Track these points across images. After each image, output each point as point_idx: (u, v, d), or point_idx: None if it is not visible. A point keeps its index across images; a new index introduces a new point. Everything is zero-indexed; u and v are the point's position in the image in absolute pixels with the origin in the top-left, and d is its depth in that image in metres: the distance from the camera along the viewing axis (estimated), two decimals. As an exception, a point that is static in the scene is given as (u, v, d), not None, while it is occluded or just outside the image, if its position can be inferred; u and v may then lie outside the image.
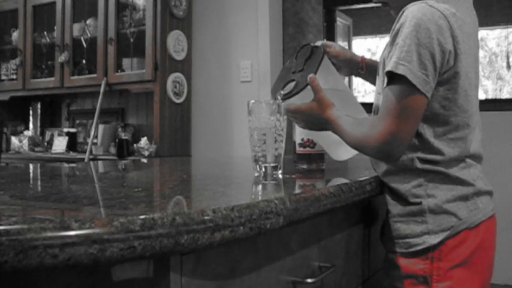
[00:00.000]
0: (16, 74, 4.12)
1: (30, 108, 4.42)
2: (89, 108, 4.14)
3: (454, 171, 1.11)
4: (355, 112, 1.26)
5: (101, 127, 3.74)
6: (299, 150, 1.37)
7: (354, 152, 1.31)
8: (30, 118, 4.44)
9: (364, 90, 7.09)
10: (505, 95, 6.48)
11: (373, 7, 4.95)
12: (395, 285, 1.15)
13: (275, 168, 1.15)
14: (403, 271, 1.13)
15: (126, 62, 3.53)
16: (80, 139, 4.12)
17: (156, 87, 3.33)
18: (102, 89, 3.50)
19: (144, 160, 2.93)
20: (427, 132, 1.10)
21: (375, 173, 1.22)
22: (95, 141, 3.67)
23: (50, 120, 4.43)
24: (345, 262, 1.17)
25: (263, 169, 1.14)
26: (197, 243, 0.65)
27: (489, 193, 1.16)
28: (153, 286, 0.68)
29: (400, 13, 1.08)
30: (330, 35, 4.09)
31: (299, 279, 0.96)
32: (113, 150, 3.63)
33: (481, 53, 6.30)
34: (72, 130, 4.12)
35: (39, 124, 4.38)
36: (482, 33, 6.18)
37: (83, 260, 0.57)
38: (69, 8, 3.78)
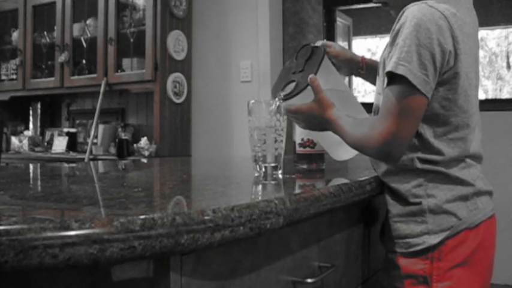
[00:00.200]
0: (16, 74, 4.12)
1: (30, 108, 4.42)
2: (89, 108, 4.14)
3: (454, 171, 1.11)
4: (355, 112, 1.26)
5: (101, 127, 3.74)
6: (299, 150, 1.37)
7: (355, 152, 1.31)
8: (30, 118, 4.44)
9: (364, 90, 7.09)
10: (505, 95, 6.48)
11: (373, 7, 4.95)
12: (395, 285, 1.15)
13: (275, 168, 1.15)
14: (403, 271, 1.13)
15: (126, 62, 3.53)
16: (80, 139, 4.12)
17: (156, 87, 3.33)
18: (102, 89, 3.50)
19: (144, 160, 2.93)
20: (427, 132, 1.10)
21: (375, 173, 1.22)
22: (95, 141, 3.67)
23: (50, 120, 4.43)
24: (345, 262, 1.17)
25: (263, 169, 1.14)
26: (197, 243, 0.65)
27: (489, 193, 1.16)
28: (153, 286, 0.68)
29: (400, 13, 1.08)
30: (330, 35, 4.09)
31: (299, 279, 0.96)
32: (113, 150, 3.63)
33: (481, 53, 6.30)
34: (72, 130, 4.12)
35: (39, 124, 4.38)
36: (482, 33, 6.17)
37: (83, 260, 0.57)
38: (69, 8, 3.78)
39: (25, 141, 4.12)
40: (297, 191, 1.04)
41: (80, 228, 0.58)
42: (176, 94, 3.42)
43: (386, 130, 1.04)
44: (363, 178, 1.15)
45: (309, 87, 1.19)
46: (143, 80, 3.37)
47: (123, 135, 3.59)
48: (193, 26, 3.58)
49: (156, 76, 3.31)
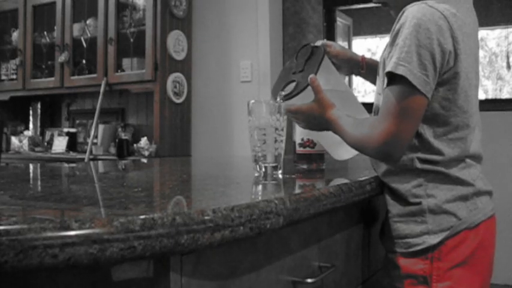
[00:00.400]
0: (16, 74, 4.12)
1: (30, 108, 4.42)
2: (89, 108, 4.14)
3: (454, 171, 1.11)
4: (356, 112, 1.26)
5: (101, 127, 3.74)
6: (299, 150, 1.37)
7: (355, 152, 1.31)
8: (30, 118, 4.44)
9: (364, 90, 7.09)
10: (505, 95, 6.48)
11: (373, 7, 4.95)
12: (395, 285, 1.15)
13: (275, 168, 1.15)
14: (403, 271, 1.13)
15: (126, 62, 3.53)
16: (80, 139, 4.12)
17: (156, 87, 3.33)
18: (102, 89, 3.50)
19: (144, 160, 2.93)
20: (427, 132, 1.10)
21: (375, 173, 1.22)
22: (95, 141, 3.67)
23: (50, 120, 4.43)
24: (345, 262, 1.17)
25: (263, 169, 1.14)
26: (197, 243, 0.65)
27: (489, 193, 1.16)
28: (153, 286, 0.68)
29: (400, 13, 1.08)
30: (330, 35, 4.09)
31: (299, 279, 0.96)
32: (113, 150, 3.63)
33: (481, 53, 6.30)
34: (72, 130, 4.12)
35: (39, 124, 4.38)
36: (482, 33, 6.17)
37: (83, 260, 0.57)
38: (69, 8, 3.78)
39: (25, 141, 4.12)
40: (297, 191, 1.04)
41: (80, 228, 0.58)
42: (176, 94, 3.42)
43: (387, 130, 1.04)
44: (363, 178, 1.15)
45: (309, 87, 1.19)
46: (143, 80, 3.37)
47: (123, 135, 3.59)
48: (193, 26, 3.58)
49: (156, 76, 3.31)
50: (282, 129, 1.15)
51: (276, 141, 1.14)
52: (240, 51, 3.40)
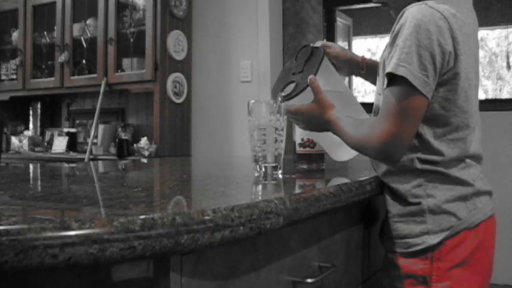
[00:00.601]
0: (16, 74, 4.12)
1: (30, 108, 4.42)
2: (89, 108, 4.14)
3: (454, 171, 1.11)
4: (355, 113, 1.26)
5: (101, 127, 3.74)
6: (299, 150, 1.37)
7: (355, 153, 1.32)
8: (30, 118, 4.44)
9: (364, 90, 7.10)
10: (505, 95, 6.48)
11: (373, 7, 4.95)
12: (395, 285, 1.15)
13: (275, 168, 1.15)
14: (403, 271, 1.13)
15: (126, 62, 3.53)
16: (80, 139, 4.12)
17: (156, 87, 3.33)
18: (102, 89, 3.50)
19: (144, 160, 2.93)
20: (427, 133, 1.10)
21: (375, 173, 1.22)
22: (95, 141, 3.67)
23: (50, 120, 4.43)
24: (345, 262, 1.17)
25: (263, 169, 1.14)
26: (197, 243, 0.65)
27: (488, 193, 1.16)
28: (153, 286, 0.68)
29: (400, 14, 1.08)
30: (330, 35, 4.09)
31: (299, 279, 0.96)
32: (113, 150, 3.63)
33: (481, 53, 6.30)
34: (72, 130, 4.12)
35: (39, 124, 4.38)
36: (482, 33, 6.18)
37: (83, 260, 0.57)
38: (69, 8, 3.78)
39: (25, 141, 4.12)
40: (297, 191, 1.04)
41: (80, 228, 0.58)
42: (176, 94, 3.42)
43: (387, 131, 1.04)
44: (363, 178, 1.15)
45: (309, 88, 1.19)
46: (143, 80, 3.37)
47: (123, 135, 3.59)
48: (193, 26, 3.58)
49: (156, 76, 3.31)
50: (282, 129, 1.15)
51: (276, 141, 1.14)
52: (240, 51, 3.40)
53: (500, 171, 3.20)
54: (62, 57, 3.76)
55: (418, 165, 1.11)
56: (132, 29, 3.46)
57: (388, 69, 1.04)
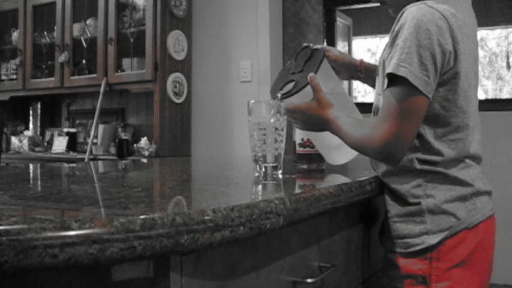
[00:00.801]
0: (16, 74, 4.12)
1: (30, 108, 4.42)
2: (89, 108, 4.14)
3: (453, 171, 1.11)
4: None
5: (101, 127, 3.74)
6: (299, 150, 1.37)
7: (350, 157, 1.32)
8: (30, 118, 4.44)
9: (364, 90, 7.10)
10: (505, 95, 6.48)
11: (372, 7, 4.95)
12: (395, 285, 1.15)
13: (275, 168, 1.15)
14: (402, 271, 1.13)
15: (126, 62, 3.53)
16: (80, 139, 4.12)
17: (156, 87, 3.33)
18: (102, 89, 3.50)
19: (144, 160, 2.93)
20: (428, 133, 1.10)
21: (375, 173, 1.22)
22: (95, 141, 3.67)
23: (50, 120, 4.43)
24: (345, 262, 1.17)
25: (263, 169, 1.14)
26: (197, 243, 0.65)
27: (488, 193, 1.16)
28: (153, 286, 0.68)
29: (400, 14, 1.08)
30: (330, 35, 4.10)
31: (299, 279, 0.96)
32: (113, 150, 3.63)
33: (481, 53, 6.30)
34: (72, 130, 4.12)
35: (39, 124, 4.38)
36: (482, 33, 6.18)
37: (83, 260, 0.57)
38: (69, 8, 3.78)
39: (25, 141, 4.12)
40: (297, 191, 1.04)
41: (80, 228, 0.58)
42: (176, 94, 3.42)
43: (388, 131, 1.04)
44: (363, 178, 1.15)
45: (308, 87, 1.19)
46: (143, 80, 3.37)
47: (123, 135, 3.59)
48: (193, 26, 3.58)
49: (156, 76, 3.31)
50: (282, 129, 1.15)
51: (276, 141, 1.14)
52: (240, 51, 3.40)
53: (500, 171, 3.20)
54: (62, 57, 3.76)
55: (418, 166, 1.11)
56: (132, 29, 3.46)
57: (389, 70, 1.04)
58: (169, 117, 3.40)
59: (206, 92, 3.54)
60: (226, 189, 1.03)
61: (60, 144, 3.98)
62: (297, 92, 1.20)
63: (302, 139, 1.36)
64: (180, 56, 3.44)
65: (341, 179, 1.17)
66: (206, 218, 0.67)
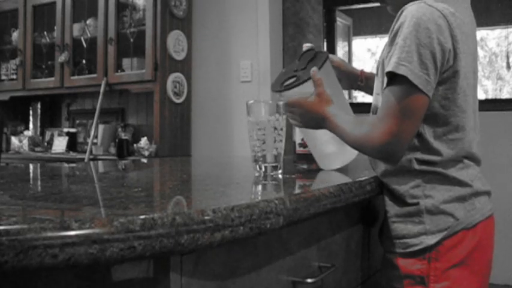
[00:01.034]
0: (16, 74, 4.12)
1: (30, 108, 4.42)
2: (89, 108, 4.14)
3: (452, 171, 1.11)
4: None
5: (101, 127, 3.74)
6: (299, 150, 1.37)
7: (342, 164, 1.32)
8: (30, 118, 4.44)
9: (364, 90, 7.08)
10: (505, 95, 6.48)
11: (372, 7, 4.96)
12: (394, 285, 1.15)
13: (275, 168, 1.15)
14: (401, 271, 1.13)
15: (126, 62, 3.53)
16: (80, 139, 4.12)
17: (156, 87, 3.33)
18: (102, 89, 3.50)
19: (144, 160, 2.93)
20: (427, 132, 1.10)
21: (375, 173, 1.22)
22: (95, 141, 3.67)
23: (50, 120, 4.43)
24: (345, 262, 1.17)
25: (263, 169, 1.14)
26: (197, 243, 0.65)
27: (487, 193, 1.16)
28: (153, 286, 0.68)
29: (399, 13, 1.08)
30: (330, 35, 4.10)
31: (299, 279, 0.96)
32: (113, 150, 3.63)
33: (481, 53, 6.30)
34: (72, 130, 4.12)
35: (39, 124, 4.38)
36: (482, 33, 6.17)
37: (83, 260, 0.57)
38: (69, 8, 3.78)
39: (25, 141, 4.12)
40: (297, 191, 1.04)
41: (80, 228, 0.58)
42: (176, 94, 3.42)
43: (388, 130, 1.04)
44: (363, 178, 1.15)
45: (310, 82, 1.19)
46: (143, 80, 3.37)
47: (123, 135, 3.59)
48: (193, 26, 3.58)
49: (156, 76, 3.31)
50: (282, 129, 1.15)
51: (275, 141, 1.14)
52: (240, 51, 3.40)
53: (500, 171, 3.20)
54: (62, 57, 3.76)
55: (416, 166, 1.11)
56: (132, 29, 3.46)
57: (389, 68, 1.04)
58: (169, 117, 3.40)
59: (206, 92, 3.54)
60: (226, 189, 1.03)
61: (60, 144, 3.98)
62: (298, 84, 1.20)
63: (302, 139, 1.36)
64: (180, 56, 3.44)
65: (341, 179, 1.17)
66: (206, 218, 0.67)
